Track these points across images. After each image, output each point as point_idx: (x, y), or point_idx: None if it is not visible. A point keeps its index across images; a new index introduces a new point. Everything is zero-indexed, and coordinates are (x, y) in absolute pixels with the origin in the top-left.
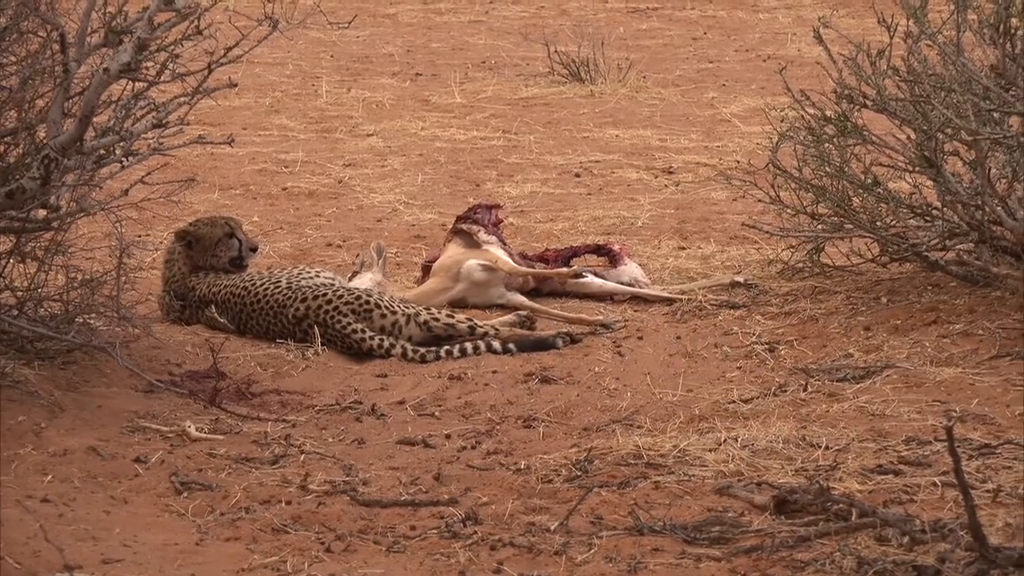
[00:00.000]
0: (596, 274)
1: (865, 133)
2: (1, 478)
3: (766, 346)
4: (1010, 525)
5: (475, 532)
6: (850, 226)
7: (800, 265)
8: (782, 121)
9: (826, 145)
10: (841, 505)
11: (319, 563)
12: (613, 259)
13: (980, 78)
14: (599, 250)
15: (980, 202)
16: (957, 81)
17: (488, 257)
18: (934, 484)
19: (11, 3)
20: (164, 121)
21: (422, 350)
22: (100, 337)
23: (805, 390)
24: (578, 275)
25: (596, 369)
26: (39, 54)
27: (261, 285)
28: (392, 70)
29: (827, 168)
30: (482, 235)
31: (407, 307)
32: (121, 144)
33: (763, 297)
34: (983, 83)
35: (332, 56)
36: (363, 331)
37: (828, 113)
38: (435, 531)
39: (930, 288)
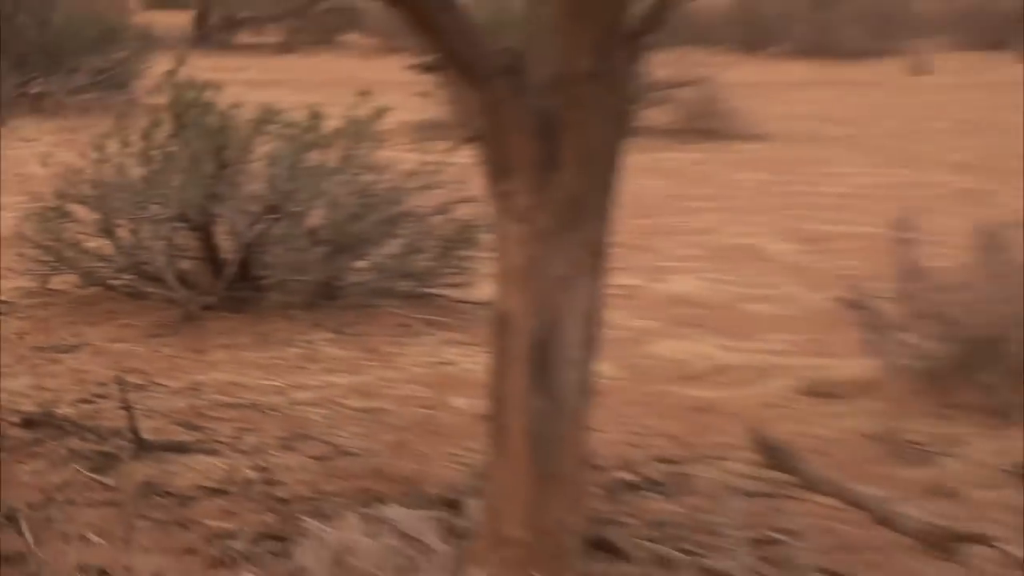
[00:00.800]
0: None
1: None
2: None
3: (16, 335)
4: (158, 427)
5: None
6: (63, 267)
7: (37, 289)
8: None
9: (51, 222)
10: (62, 421)
11: None
12: None
13: (135, 184)
14: None
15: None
16: (120, 185)
17: None
18: (117, 409)
19: None
20: None
21: None
22: None
23: (41, 358)
24: None
25: None
26: None
27: None
28: None
29: (50, 235)
30: None
31: None
32: None
33: (16, 309)
34: (137, 187)
35: None
36: None
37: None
38: None
39: (110, 300)
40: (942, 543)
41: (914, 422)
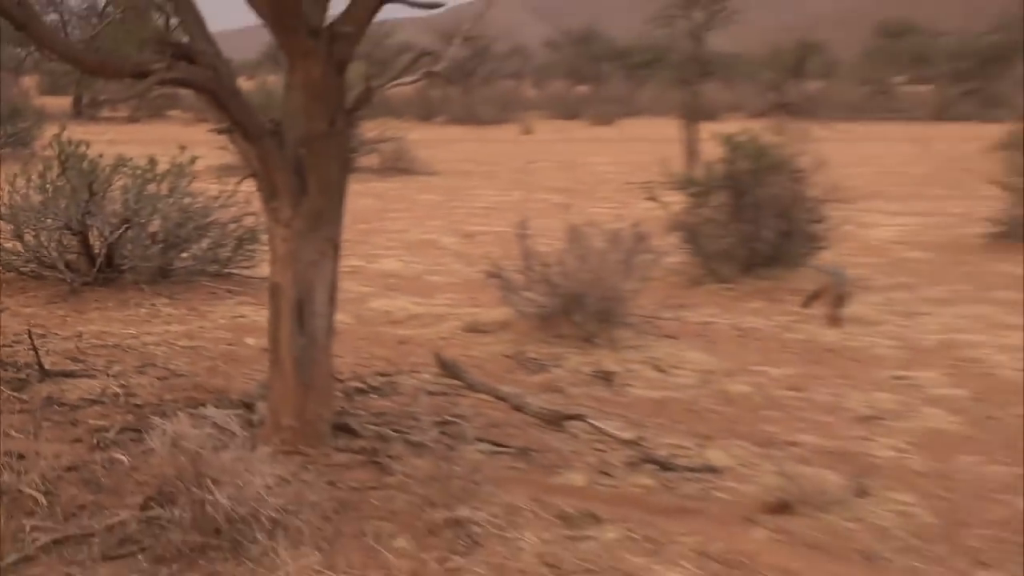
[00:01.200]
0: None
1: None
2: None
3: None
4: (55, 361)
5: None
6: None
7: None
8: None
9: None
10: None
11: None
12: None
13: (36, 205)
14: None
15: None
16: (26, 207)
17: None
18: (27, 350)
19: None
20: None
21: None
22: None
23: None
24: None
25: None
26: None
27: None
28: None
29: None
30: None
31: None
32: None
33: None
34: (37, 208)
35: None
36: None
37: None
38: None
39: (21, 281)
40: (554, 421)
41: (533, 347)
